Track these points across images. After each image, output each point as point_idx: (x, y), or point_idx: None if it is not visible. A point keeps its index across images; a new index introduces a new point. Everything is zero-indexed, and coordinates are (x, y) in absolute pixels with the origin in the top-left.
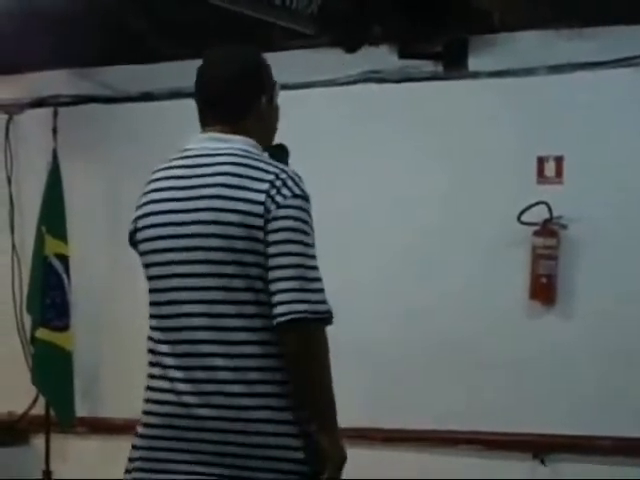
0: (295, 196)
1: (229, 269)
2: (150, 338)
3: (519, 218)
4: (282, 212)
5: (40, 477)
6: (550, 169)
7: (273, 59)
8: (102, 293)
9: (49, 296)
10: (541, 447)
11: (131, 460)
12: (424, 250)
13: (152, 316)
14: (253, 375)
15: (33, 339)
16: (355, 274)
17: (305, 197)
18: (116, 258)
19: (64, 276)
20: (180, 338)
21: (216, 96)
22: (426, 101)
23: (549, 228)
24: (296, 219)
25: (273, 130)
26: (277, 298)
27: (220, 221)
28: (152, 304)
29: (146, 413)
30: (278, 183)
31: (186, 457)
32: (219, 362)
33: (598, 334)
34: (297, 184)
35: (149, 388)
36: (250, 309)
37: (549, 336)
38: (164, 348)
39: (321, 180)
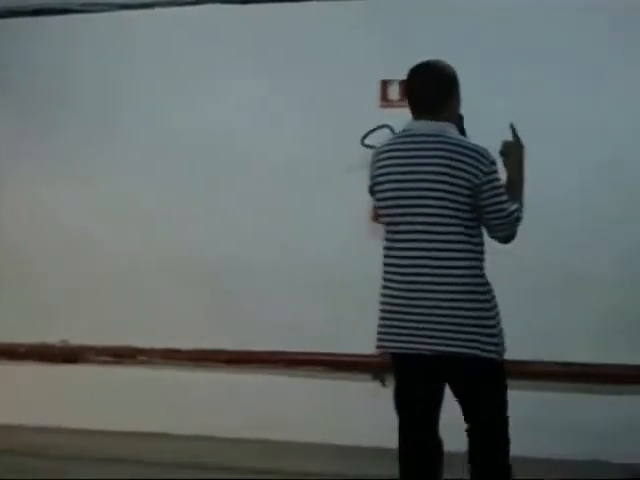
0: (491, 163)
1: (447, 212)
2: (386, 256)
3: (362, 141)
4: (487, 177)
5: None
6: (394, 92)
7: None
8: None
9: None
10: (381, 367)
11: (379, 333)
12: (276, 173)
13: (386, 239)
14: (460, 279)
15: None
16: (218, 200)
17: (494, 162)
18: (16, 189)
19: None
20: (406, 255)
21: (428, 97)
22: (273, 22)
23: None
24: (497, 179)
25: (457, 114)
26: (498, 220)
27: (448, 182)
28: (387, 231)
29: (383, 303)
30: (478, 156)
31: (409, 333)
32: (432, 271)
33: None
34: (488, 156)
35: (386, 287)
36: (459, 237)
37: None
38: (394, 262)
39: (170, 101)
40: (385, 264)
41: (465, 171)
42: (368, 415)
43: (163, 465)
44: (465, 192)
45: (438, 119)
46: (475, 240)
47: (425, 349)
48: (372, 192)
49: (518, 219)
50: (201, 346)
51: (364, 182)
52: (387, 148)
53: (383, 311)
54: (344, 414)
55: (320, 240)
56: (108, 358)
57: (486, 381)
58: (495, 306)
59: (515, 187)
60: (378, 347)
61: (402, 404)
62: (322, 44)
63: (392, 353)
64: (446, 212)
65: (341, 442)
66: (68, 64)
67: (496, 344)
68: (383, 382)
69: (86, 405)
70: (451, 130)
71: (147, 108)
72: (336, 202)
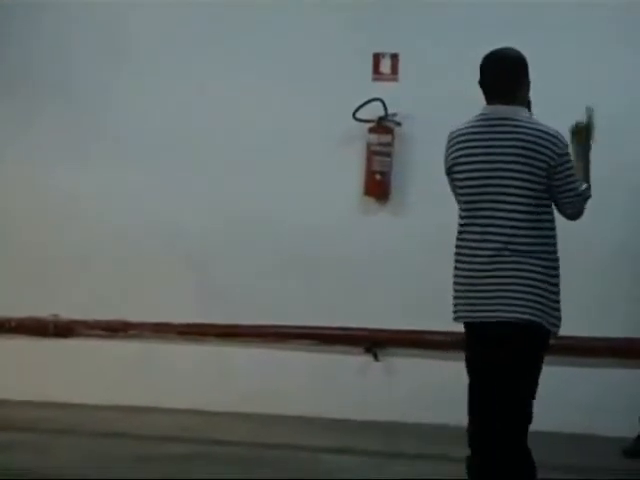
0: (565, 145)
1: (526, 191)
2: (461, 232)
3: (354, 115)
4: (561, 159)
5: None
6: (386, 66)
7: None
8: None
9: None
10: (373, 341)
11: (456, 304)
12: (265, 149)
13: (463, 217)
14: (538, 254)
15: None
16: (206, 179)
17: (567, 145)
18: (6, 168)
19: None
20: (487, 231)
21: (502, 84)
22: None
23: (384, 125)
24: (569, 160)
25: (527, 99)
26: (569, 199)
27: (527, 163)
28: (464, 209)
29: (457, 275)
30: (554, 140)
31: (482, 301)
32: (514, 247)
33: (429, 229)
34: (562, 139)
35: (460, 254)
36: (538, 216)
37: (383, 232)
38: (474, 237)
39: (160, 82)
40: (462, 239)
41: (542, 153)
42: (360, 389)
43: (154, 439)
44: (541, 173)
45: (510, 103)
46: (550, 217)
47: (490, 316)
48: (449, 173)
49: (587, 198)
50: (191, 320)
51: (357, 156)
52: (466, 131)
53: (459, 284)
54: (336, 388)
55: (311, 216)
56: (99, 332)
57: (538, 351)
58: (559, 282)
59: (580, 166)
60: (457, 318)
61: (478, 371)
62: (314, 18)
63: (467, 323)
64: (524, 192)
65: (333, 415)
66: (63, 49)
67: (560, 319)
68: (375, 356)
69: (77, 379)
70: (523, 113)
71: (137, 90)
72: (328, 177)
